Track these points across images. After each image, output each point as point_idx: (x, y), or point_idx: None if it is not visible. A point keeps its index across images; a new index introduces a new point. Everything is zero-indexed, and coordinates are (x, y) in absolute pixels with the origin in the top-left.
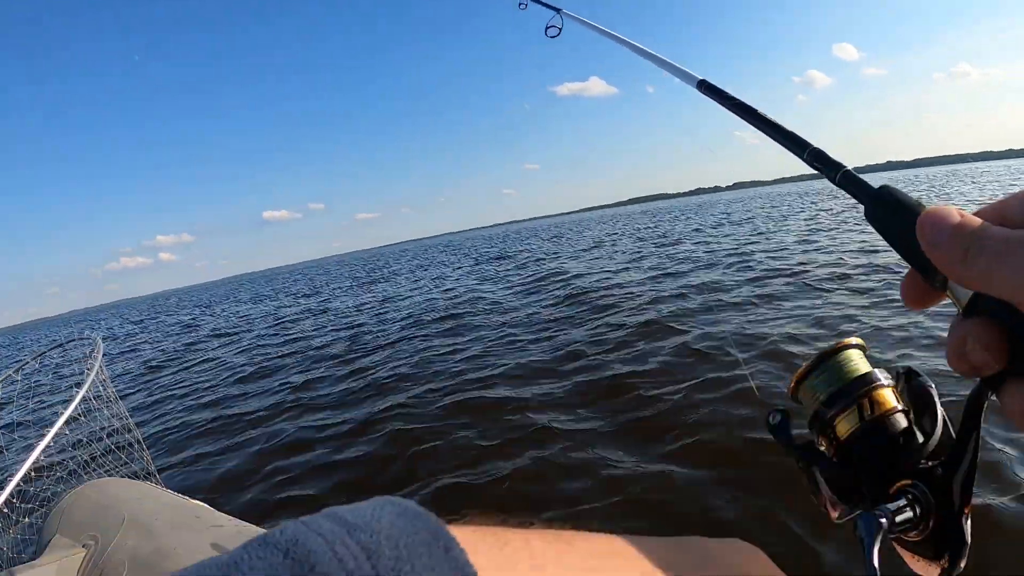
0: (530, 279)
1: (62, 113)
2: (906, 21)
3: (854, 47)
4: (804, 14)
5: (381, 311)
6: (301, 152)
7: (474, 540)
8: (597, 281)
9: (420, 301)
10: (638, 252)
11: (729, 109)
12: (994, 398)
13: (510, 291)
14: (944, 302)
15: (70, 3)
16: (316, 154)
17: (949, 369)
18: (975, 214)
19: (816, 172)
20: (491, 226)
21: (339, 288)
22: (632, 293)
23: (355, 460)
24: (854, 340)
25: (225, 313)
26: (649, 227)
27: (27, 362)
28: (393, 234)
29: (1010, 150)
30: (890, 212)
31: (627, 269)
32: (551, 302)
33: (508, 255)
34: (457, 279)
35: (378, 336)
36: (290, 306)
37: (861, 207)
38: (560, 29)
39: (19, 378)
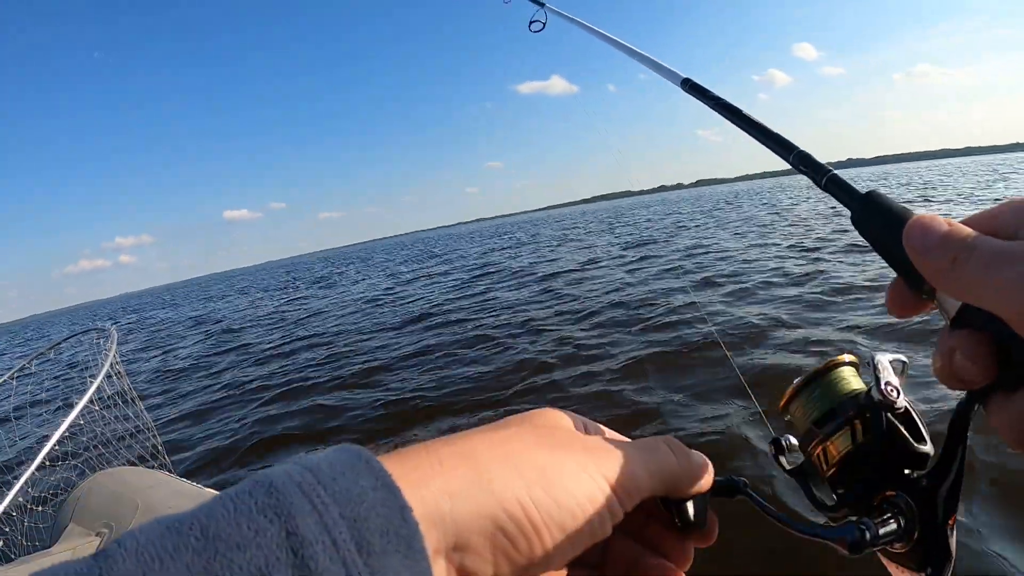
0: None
1: (17, 110)
2: (864, 22)
3: (813, 47)
4: (763, 14)
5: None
6: (260, 152)
7: (392, 458)
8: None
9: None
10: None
11: (713, 108)
12: (981, 410)
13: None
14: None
15: None
16: (275, 154)
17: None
18: (964, 222)
19: (781, 170)
20: (454, 224)
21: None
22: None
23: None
24: (847, 357)
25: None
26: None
27: (41, 352)
28: (359, 233)
29: (968, 148)
30: (877, 218)
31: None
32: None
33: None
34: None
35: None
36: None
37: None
38: (544, 24)
39: (33, 368)
